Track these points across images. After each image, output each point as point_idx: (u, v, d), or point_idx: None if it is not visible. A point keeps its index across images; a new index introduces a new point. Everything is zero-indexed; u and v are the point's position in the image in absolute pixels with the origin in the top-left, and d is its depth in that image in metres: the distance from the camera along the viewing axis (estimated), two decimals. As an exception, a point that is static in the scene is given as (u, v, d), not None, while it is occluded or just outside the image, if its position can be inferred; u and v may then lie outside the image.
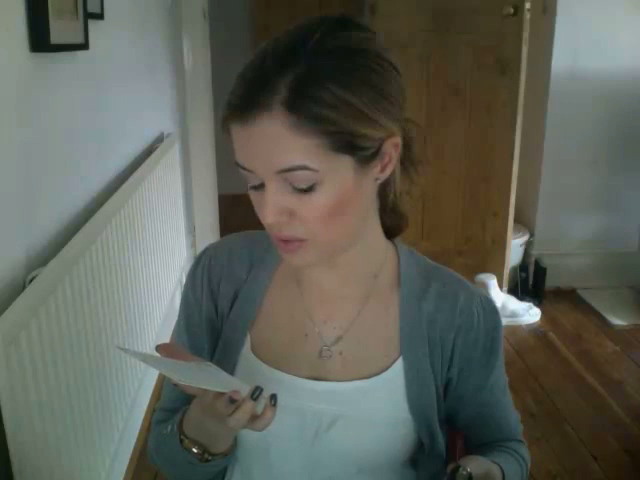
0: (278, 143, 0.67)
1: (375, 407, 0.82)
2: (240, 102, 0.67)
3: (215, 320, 0.88)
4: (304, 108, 0.65)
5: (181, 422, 0.80)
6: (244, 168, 0.71)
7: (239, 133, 0.69)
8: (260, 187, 0.71)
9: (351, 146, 0.68)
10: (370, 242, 0.83)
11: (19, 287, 1.21)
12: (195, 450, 0.78)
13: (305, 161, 0.67)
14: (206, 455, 0.79)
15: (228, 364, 0.84)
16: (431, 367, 0.83)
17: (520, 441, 0.94)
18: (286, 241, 0.73)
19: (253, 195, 0.73)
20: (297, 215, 0.70)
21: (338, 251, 0.79)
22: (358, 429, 0.81)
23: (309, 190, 0.69)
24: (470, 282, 0.88)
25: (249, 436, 0.83)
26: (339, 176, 0.69)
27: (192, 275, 0.90)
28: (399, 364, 0.82)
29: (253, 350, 0.85)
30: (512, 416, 0.94)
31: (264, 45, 0.70)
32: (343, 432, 0.80)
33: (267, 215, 0.70)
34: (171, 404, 0.92)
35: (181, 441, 0.79)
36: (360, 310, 0.84)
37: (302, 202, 0.69)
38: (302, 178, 0.68)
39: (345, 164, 0.69)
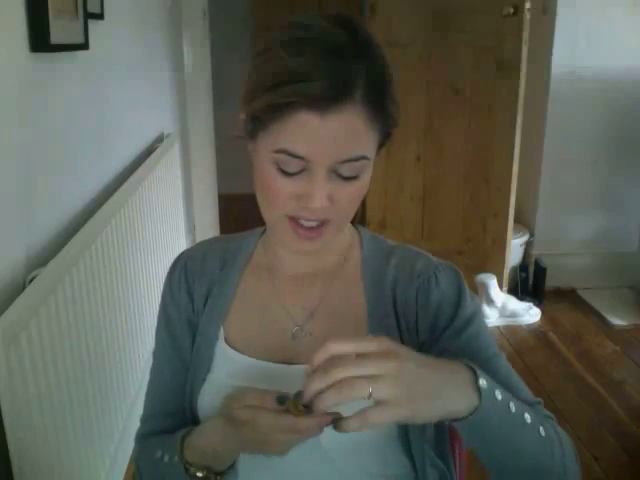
0: (354, 135, 0.71)
1: None
2: (323, 93, 0.68)
3: (193, 318, 0.90)
4: (380, 104, 0.72)
5: (182, 451, 0.81)
6: (296, 155, 0.70)
7: (311, 122, 0.69)
8: (297, 173, 0.72)
9: (387, 138, 0.77)
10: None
11: (19, 287, 1.21)
12: (200, 474, 0.79)
13: (367, 152, 0.74)
14: (212, 476, 0.80)
15: (206, 357, 0.87)
16: (400, 340, 0.82)
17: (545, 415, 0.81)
18: (309, 228, 0.76)
19: (281, 180, 0.73)
20: (334, 200, 0.74)
21: (337, 236, 0.83)
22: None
23: (353, 178, 0.74)
24: (434, 256, 0.88)
25: None
26: (371, 166, 0.77)
27: (169, 278, 0.93)
28: None
29: (227, 341, 0.86)
30: (518, 383, 0.83)
31: (307, 35, 0.70)
32: None
33: (318, 200, 0.72)
34: (157, 408, 0.93)
35: (187, 470, 0.80)
36: (327, 290, 0.86)
37: (342, 188, 0.74)
38: (358, 167, 0.73)
39: (375, 154, 0.77)
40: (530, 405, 0.79)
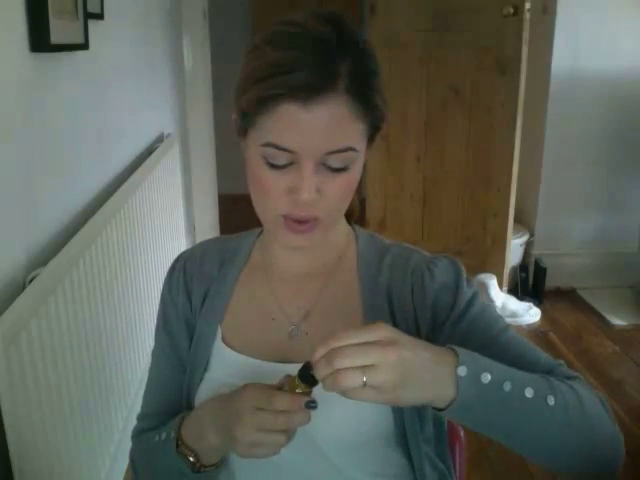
0: (339, 126, 0.71)
1: None
2: (306, 83, 0.68)
3: (191, 318, 0.91)
4: (364, 95, 0.72)
5: (179, 429, 0.80)
6: (282, 148, 0.71)
7: (295, 113, 0.69)
8: (285, 166, 0.73)
9: (376, 132, 0.77)
10: (339, 225, 0.88)
11: (19, 287, 1.21)
12: (191, 459, 0.78)
13: (354, 144, 0.73)
14: (199, 465, 0.79)
15: (203, 357, 0.87)
16: None
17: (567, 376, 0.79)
18: (301, 222, 0.76)
19: (271, 175, 0.74)
20: (323, 193, 0.74)
21: (331, 231, 0.83)
22: (333, 406, 0.76)
23: (342, 170, 0.74)
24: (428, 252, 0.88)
25: None
26: (362, 157, 0.77)
27: (169, 278, 0.94)
28: None
29: (224, 340, 0.87)
30: (534, 351, 0.84)
31: (293, 30, 0.71)
32: (318, 411, 0.75)
33: (306, 191, 0.72)
34: (154, 407, 0.94)
35: (177, 446, 0.79)
36: (323, 289, 0.87)
37: (331, 180, 0.74)
38: (346, 158, 0.73)
39: (365, 147, 0.77)
40: (549, 371, 0.78)
